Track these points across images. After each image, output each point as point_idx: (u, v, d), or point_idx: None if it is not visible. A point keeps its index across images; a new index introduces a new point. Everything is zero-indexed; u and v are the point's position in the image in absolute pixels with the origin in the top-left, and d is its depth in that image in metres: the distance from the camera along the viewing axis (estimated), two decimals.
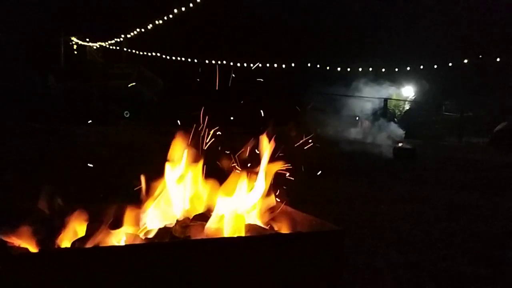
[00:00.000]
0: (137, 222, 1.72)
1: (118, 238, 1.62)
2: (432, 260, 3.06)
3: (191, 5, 17.88)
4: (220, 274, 1.50)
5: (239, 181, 1.77)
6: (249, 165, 1.87)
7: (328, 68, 19.31)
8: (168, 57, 20.75)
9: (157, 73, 20.29)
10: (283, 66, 19.50)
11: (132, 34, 20.61)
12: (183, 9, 18.16)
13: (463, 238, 3.66)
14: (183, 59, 20.46)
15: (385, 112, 18.08)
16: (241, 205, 1.78)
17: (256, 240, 1.62)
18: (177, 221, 1.64)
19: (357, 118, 17.05)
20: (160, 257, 1.45)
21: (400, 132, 15.15)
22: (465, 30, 19.59)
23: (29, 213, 1.59)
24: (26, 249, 1.53)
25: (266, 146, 1.81)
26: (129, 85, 17.54)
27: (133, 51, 21.29)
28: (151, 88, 19.72)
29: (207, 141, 1.97)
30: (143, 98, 18.81)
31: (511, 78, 18.86)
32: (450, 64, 18.37)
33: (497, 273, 2.88)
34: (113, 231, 1.62)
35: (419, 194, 5.59)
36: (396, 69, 19.33)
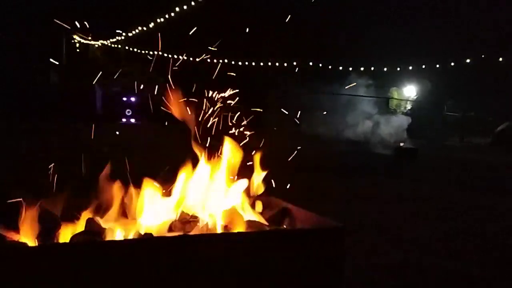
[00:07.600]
0: (136, 217, 1.72)
1: (118, 233, 1.61)
2: (433, 260, 3.05)
3: (192, 3, 17.86)
4: (220, 270, 1.49)
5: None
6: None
7: (330, 67, 19.27)
8: (169, 56, 20.72)
9: (158, 72, 20.24)
10: (285, 64, 19.45)
11: (134, 32, 20.61)
12: (185, 7, 18.14)
13: (464, 238, 3.65)
14: (185, 58, 20.42)
15: (386, 111, 18.03)
16: (236, 200, 1.79)
17: (256, 236, 1.61)
18: (177, 216, 1.64)
19: (357, 117, 17.01)
20: (160, 252, 1.45)
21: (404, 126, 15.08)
22: (468, 29, 19.55)
23: (28, 208, 1.58)
24: (25, 244, 1.52)
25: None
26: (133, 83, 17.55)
27: (135, 49, 21.30)
28: (153, 86, 19.68)
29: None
30: (144, 96, 18.79)
31: None
32: (452, 64, 18.31)
33: (498, 273, 2.87)
34: (112, 226, 1.61)
35: (420, 194, 5.58)
36: (398, 69, 19.27)
